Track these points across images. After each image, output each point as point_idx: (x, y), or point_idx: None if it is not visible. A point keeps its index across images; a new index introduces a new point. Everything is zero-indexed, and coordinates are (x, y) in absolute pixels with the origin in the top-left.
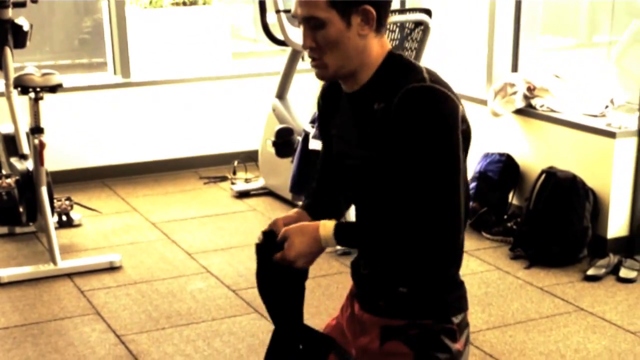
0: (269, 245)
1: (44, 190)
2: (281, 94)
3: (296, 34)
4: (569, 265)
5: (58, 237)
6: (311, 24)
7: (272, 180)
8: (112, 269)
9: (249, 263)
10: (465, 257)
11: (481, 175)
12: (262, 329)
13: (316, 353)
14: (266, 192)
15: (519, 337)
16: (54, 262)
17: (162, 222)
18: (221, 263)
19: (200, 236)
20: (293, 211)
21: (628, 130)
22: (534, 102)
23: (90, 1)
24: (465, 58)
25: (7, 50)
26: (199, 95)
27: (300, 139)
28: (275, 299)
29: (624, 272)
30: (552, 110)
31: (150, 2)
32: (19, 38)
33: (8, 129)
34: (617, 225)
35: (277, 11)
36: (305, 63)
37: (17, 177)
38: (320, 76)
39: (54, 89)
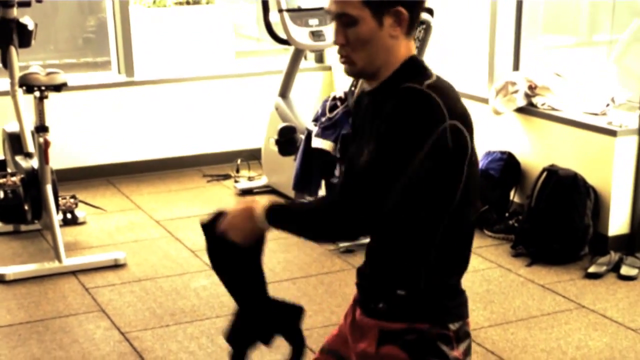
0: (214, 222)
1: (48, 188)
2: (284, 93)
3: (299, 33)
4: (570, 262)
5: (63, 235)
6: (343, 21)
7: (275, 178)
8: (116, 266)
9: None
10: None
11: (483, 173)
12: None
13: (285, 323)
14: (269, 190)
15: (520, 334)
16: (59, 260)
17: (166, 220)
18: None
19: None
20: None
21: (629, 128)
22: (535, 100)
23: (95, 1)
24: (466, 57)
25: (12, 50)
26: (202, 94)
27: (302, 137)
28: (229, 276)
29: (624, 270)
30: (553, 109)
31: (154, 2)
32: (24, 37)
33: (13, 127)
34: (618, 223)
35: (280, 10)
36: (307, 62)
37: (22, 175)
38: (348, 72)
39: (59, 87)
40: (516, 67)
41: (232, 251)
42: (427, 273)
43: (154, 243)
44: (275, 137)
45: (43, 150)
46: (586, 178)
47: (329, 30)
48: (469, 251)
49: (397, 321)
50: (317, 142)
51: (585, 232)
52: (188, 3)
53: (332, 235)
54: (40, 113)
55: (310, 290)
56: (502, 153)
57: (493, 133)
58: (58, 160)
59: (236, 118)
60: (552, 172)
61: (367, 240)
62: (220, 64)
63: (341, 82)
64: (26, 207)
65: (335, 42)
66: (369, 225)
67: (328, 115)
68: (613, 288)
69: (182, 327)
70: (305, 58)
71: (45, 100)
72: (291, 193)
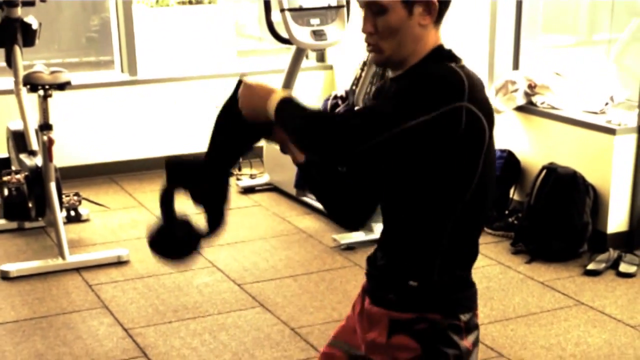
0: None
1: (52, 185)
2: None
3: (300, 32)
4: (569, 260)
5: (66, 232)
6: (373, 9)
7: (277, 176)
8: (119, 263)
9: (255, 258)
10: None
11: None
12: (268, 322)
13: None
14: (271, 188)
15: (520, 330)
16: (63, 257)
17: None
18: (227, 258)
19: None
20: None
21: (628, 127)
22: (534, 99)
23: (98, 0)
24: (466, 56)
25: (17, 49)
26: (204, 93)
27: None
28: (220, 134)
29: (623, 267)
30: (553, 107)
31: (157, 1)
32: (28, 36)
33: (17, 125)
34: (617, 221)
35: (282, 9)
36: (309, 61)
37: (27, 173)
38: (374, 60)
39: (63, 86)
40: (516, 66)
41: (235, 115)
42: (440, 264)
43: None
44: None
45: (47, 148)
46: (585, 176)
47: (330, 29)
48: (478, 244)
49: (407, 311)
50: None
51: (584, 230)
52: (190, 2)
53: (313, 144)
54: (44, 111)
55: (311, 287)
56: (502, 151)
57: None
58: (62, 158)
59: None
60: (551, 170)
61: (367, 237)
62: (222, 63)
63: (342, 81)
64: (30, 205)
65: (363, 30)
66: (346, 154)
67: None
68: (612, 285)
69: (185, 324)
70: (307, 57)
71: (49, 99)
72: (293, 191)
